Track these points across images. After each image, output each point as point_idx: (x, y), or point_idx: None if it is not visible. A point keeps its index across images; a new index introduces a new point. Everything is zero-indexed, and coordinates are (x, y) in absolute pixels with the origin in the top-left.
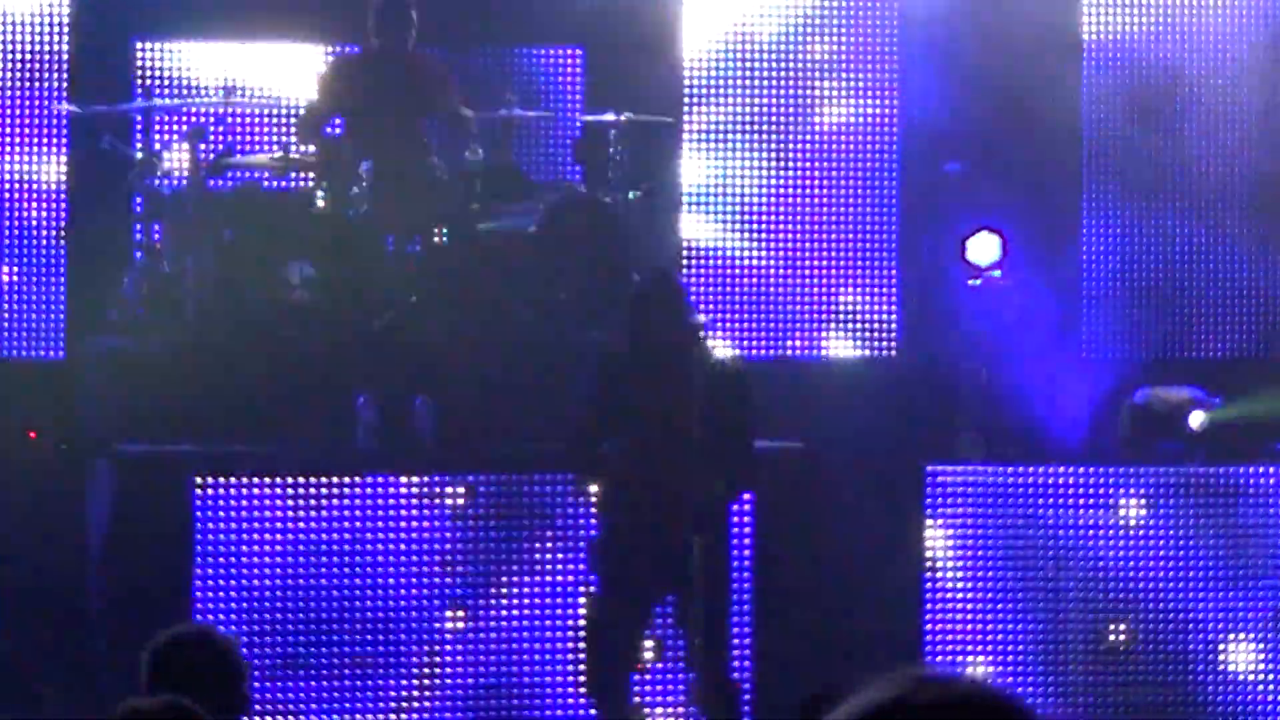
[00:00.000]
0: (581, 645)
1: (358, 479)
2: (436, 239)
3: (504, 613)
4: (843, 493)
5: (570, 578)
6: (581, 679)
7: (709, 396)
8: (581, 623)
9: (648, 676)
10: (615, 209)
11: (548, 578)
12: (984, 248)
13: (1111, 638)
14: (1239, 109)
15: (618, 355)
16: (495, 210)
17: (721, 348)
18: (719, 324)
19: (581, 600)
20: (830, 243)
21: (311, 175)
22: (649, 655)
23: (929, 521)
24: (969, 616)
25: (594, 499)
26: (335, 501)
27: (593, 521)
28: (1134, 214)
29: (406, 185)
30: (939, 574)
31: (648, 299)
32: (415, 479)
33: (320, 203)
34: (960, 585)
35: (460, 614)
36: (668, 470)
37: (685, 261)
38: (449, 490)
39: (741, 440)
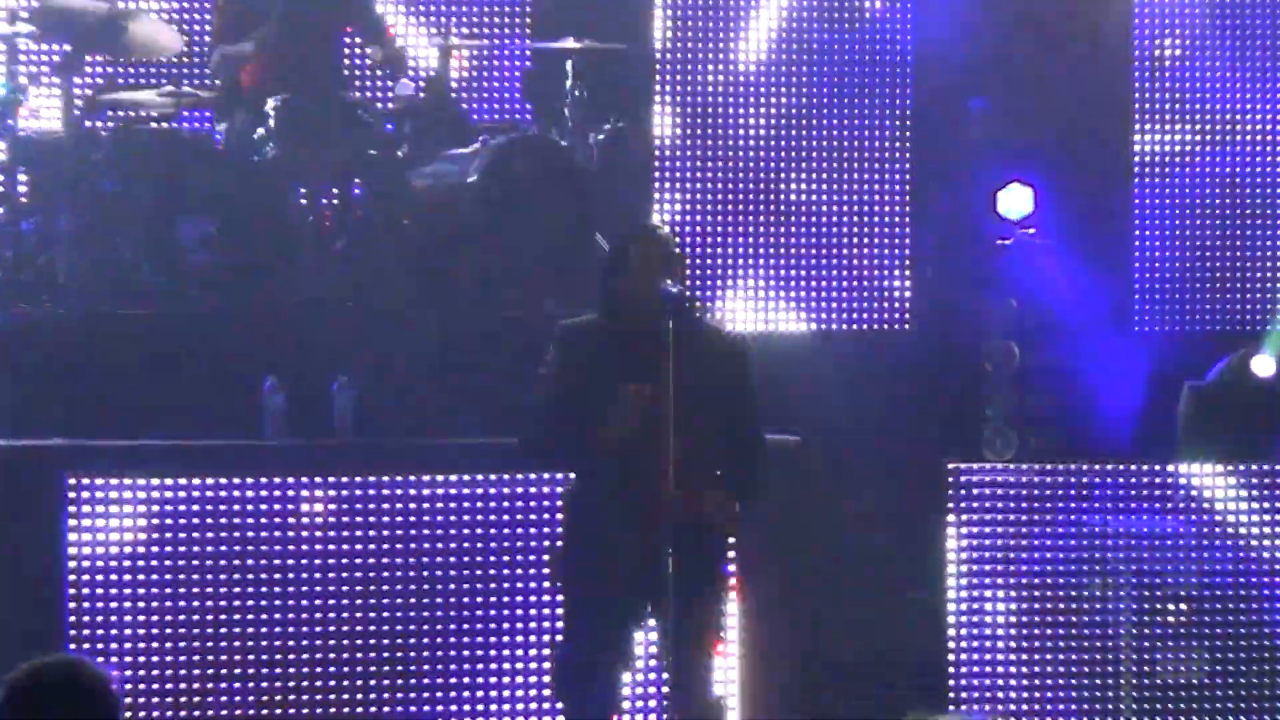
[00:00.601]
0: (545, 669)
1: (262, 479)
2: (358, 190)
3: (443, 640)
4: (847, 496)
5: (525, 594)
6: (547, 703)
7: (704, 381)
8: (545, 648)
9: (624, 705)
10: (574, 156)
11: (497, 597)
12: (1015, 201)
13: (1168, 669)
14: None
15: (584, 330)
16: (429, 157)
17: (719, 321)
18: (695, 294)
19: (544, 618)
20: (828, 195)
21: (209, 113)
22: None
23: (952, 530)
24: (1000, 641)
25: (558, 500)
26: (235, 506)
27: (554, 527)
28: (1198, 158)
29: (322, 125)
30: (965, 591)
31: (625, 260)
32: (331, 479)
33: (220, 146)
34: (990, 605)
35: (386, 643)
36: (646, 466)
37: (658, 218)
38: (373, 493)
39: (749, 439)
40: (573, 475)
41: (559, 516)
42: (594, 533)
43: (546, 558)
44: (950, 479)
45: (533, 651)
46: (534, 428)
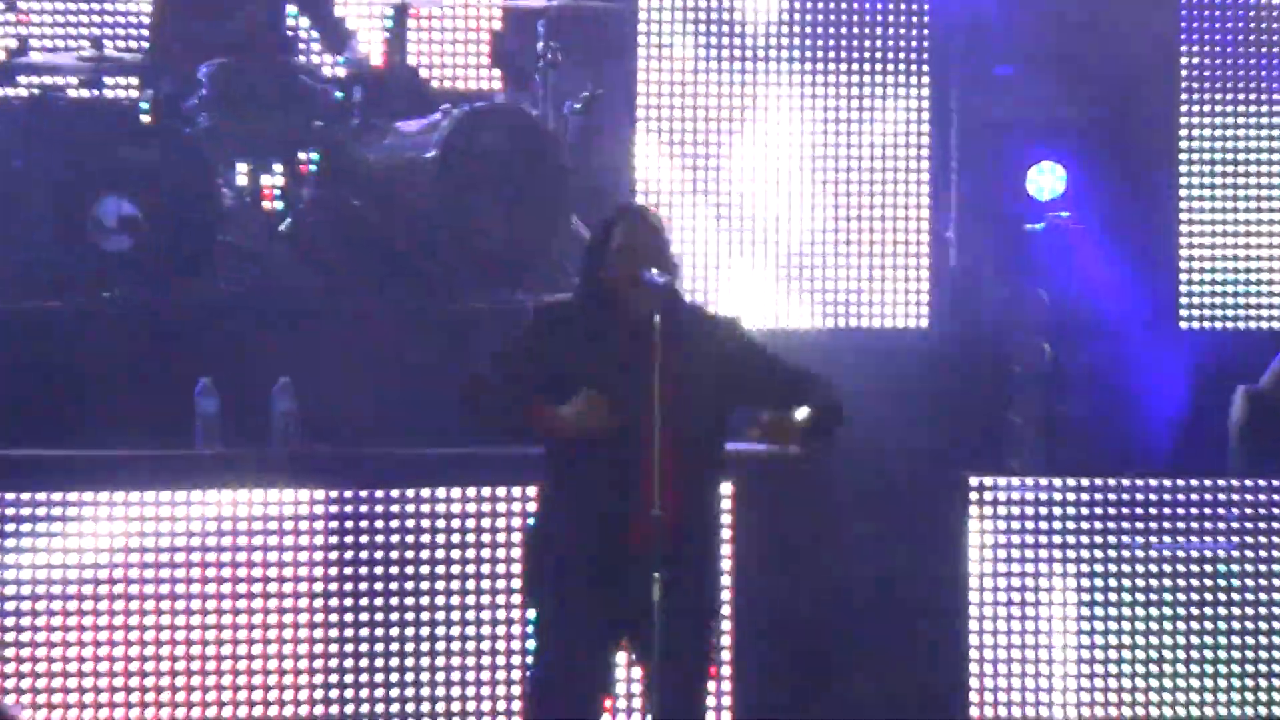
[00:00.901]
0: (516, 703)
1: (193, 493)
2: (303, 167)
3: (400, 666)
4: (855, 513)
5: (495, 618)
6: None
7: (702, 368)
8: (515, 675)
9: None
10: (547, 127)
11: (460, 623)
12: (1046, 180)
13: (1220, 709)
14: None
15: (562, 313)
16: (384, 129)
17: (710, 308)
18: (685, 283)
19: (515, 643)
20: (832, 175)
21: (134, 81)
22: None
23: (974, 554)
24: (1029, 679)
25: (530, 508)
26: (160, 525)
27: (524, 540)
28: (1249, 139)
29: (262, 93)
30: (989, 623)
31: (607, 246)
32: (270, 494)
33: (146, 117)
34: (1018, 638)
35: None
36: (627, 475)
37: (640, 197)
38: (319, 509)
39: (794, 372)
40: (547, 479)
41: (530, 523)
42: (566, 544)
43: (520, 568)
44: (971, 494)
45: (500, 675)
46: (485, 392)
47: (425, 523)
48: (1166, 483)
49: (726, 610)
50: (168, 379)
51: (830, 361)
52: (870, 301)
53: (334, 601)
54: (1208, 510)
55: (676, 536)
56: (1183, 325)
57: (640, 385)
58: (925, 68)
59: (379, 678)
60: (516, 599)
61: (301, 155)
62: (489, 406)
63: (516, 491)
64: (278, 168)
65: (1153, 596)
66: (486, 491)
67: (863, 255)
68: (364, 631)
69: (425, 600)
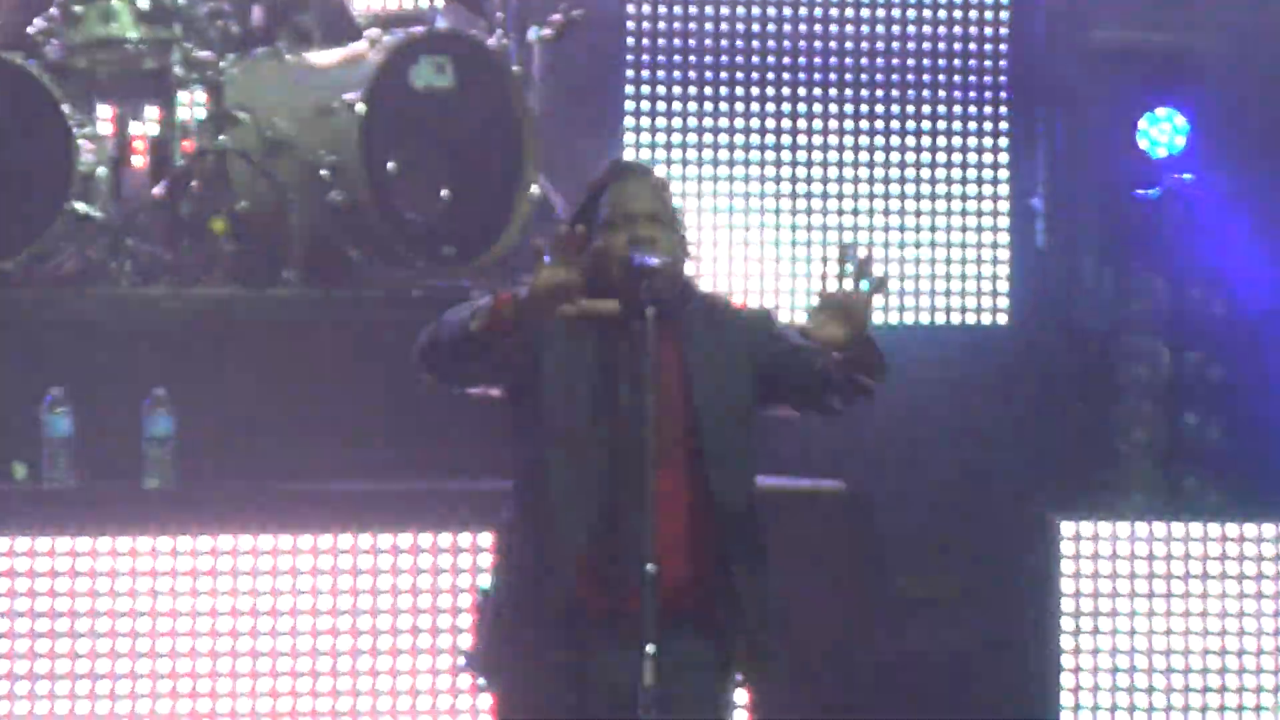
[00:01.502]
0: None
1: (38, 540)
2: (183, 113)
3: None
4: (911, 566)
5: (434, 705)
6: None
7: (719, 368)
8: None
9: None
10: (507, 60)
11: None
12: (1162, 134)
13: None
14: None
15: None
16: (290, 64)
17: (727, 297)
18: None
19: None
20: (882, 121)
21: None
22: None
23: (1068, 620)
24: None
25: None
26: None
27: (476, 603)
28: None
29: (129, 14)
30: (1086, 709)
31: (593, 216)
32: (142, 539)
33: None
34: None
35: None
36: (622, 507)
37: (635, 152)
38: (206, 559)
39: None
40: (509, 522)
41: (484, 582)
42: (532, 607)
43: (471, 639)
44: (1064, 543)
45: None
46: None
47: (344, 580)
48: None
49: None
50: (3, 394)
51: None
52: (931, 290)
53: (225, 662)
54: None
55: (679, 599)
56: None
57: (634, 400)
58: None
59: None
60: (465, 679)
61: (182, 96)
62: (445, 328)
63: (466, 539)
64: (150, 113)
65: None
66: (426, 539)
67: (918, 229)
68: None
69: (344, 683)
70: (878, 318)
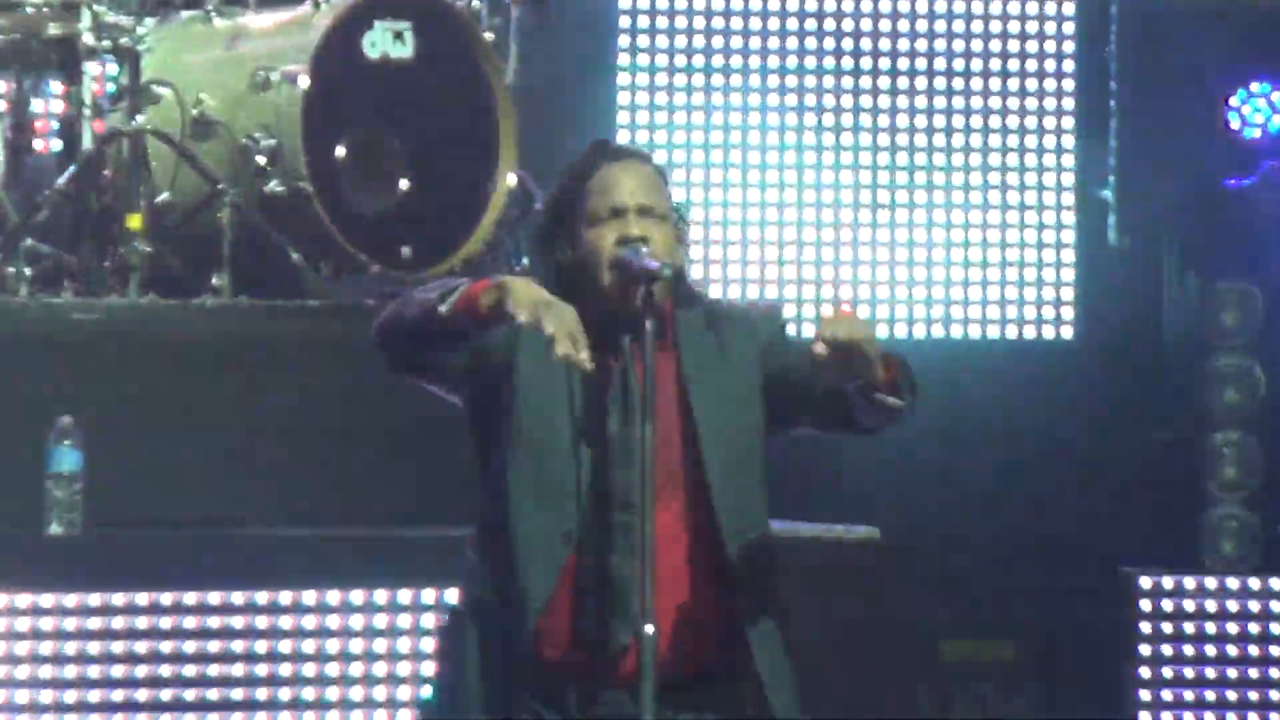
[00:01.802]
0: None
1: None
2: (96, 85)
3: None
4: (960, 629)
5: None
6: None
7: (727, 394)
8: None
9: None
10: (478, 26)
11: None
12: (1257, 113)
13: None
14: None
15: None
16: (221, 28)
17: (732, 302)
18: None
19: None
20: (919, 110)
21: None
22: None
23: (1146, 692)
24: None
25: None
26: None
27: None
28: None
29: None
30: None
31: (578, 208)
32: (46, 595)
33: None
34: None
35: None
36: (610, 552)
37: (629, 134)
38: (119, 619)
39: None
40: (474, 571)
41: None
42: (501, 671)
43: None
44: (1142, 601)
45: None
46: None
47: (284, 644)
48: None
49: None
50: None
51: (925, 388)
52: (981, 299)
53: None
54: None
55: (679, 665)
56: None
57: (626, 431)
58: None
59: None
60: None
61: (91, 68)
62: (411, 305)
63: (429, 595)
64: (55, 88)
65: None
66: (382, 596)
67: (966, 226)
68: None
69: None
70: (919, 330)
